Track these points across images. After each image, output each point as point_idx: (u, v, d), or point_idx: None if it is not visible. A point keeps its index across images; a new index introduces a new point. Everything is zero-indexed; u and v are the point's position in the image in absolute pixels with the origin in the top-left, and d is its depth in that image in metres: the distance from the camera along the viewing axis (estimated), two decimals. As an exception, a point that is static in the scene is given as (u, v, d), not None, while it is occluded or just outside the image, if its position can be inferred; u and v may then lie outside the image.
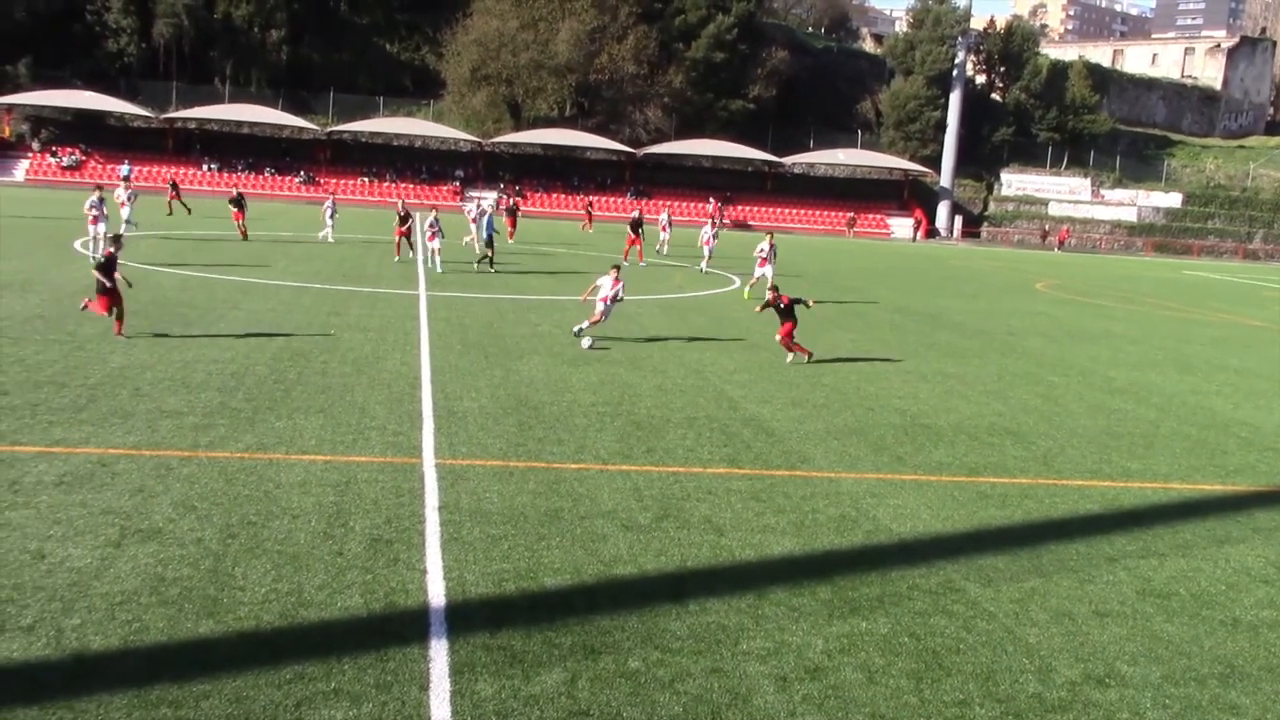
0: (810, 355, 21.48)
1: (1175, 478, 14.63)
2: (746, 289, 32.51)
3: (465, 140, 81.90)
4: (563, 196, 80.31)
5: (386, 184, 77.80)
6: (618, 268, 22.12)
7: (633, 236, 41.10)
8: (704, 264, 40.05)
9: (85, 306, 19.26)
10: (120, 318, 18.82)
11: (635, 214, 43.65)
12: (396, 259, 34.63)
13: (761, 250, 32.29)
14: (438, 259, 32.97)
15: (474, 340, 21.18)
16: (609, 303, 21.69)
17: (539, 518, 10.97)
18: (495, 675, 7.64)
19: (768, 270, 31.48)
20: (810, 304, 22.18)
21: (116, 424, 13.28)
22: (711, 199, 78.09)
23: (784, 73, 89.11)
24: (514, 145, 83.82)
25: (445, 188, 78.51)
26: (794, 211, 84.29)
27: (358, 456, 12.63)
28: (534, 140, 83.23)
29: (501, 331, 22.49)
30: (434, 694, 7.33)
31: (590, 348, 20.80)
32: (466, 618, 8.57)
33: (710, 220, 52.74)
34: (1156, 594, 10.18)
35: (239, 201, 39.62)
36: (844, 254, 58.91)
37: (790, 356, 21.30)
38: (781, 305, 21.23)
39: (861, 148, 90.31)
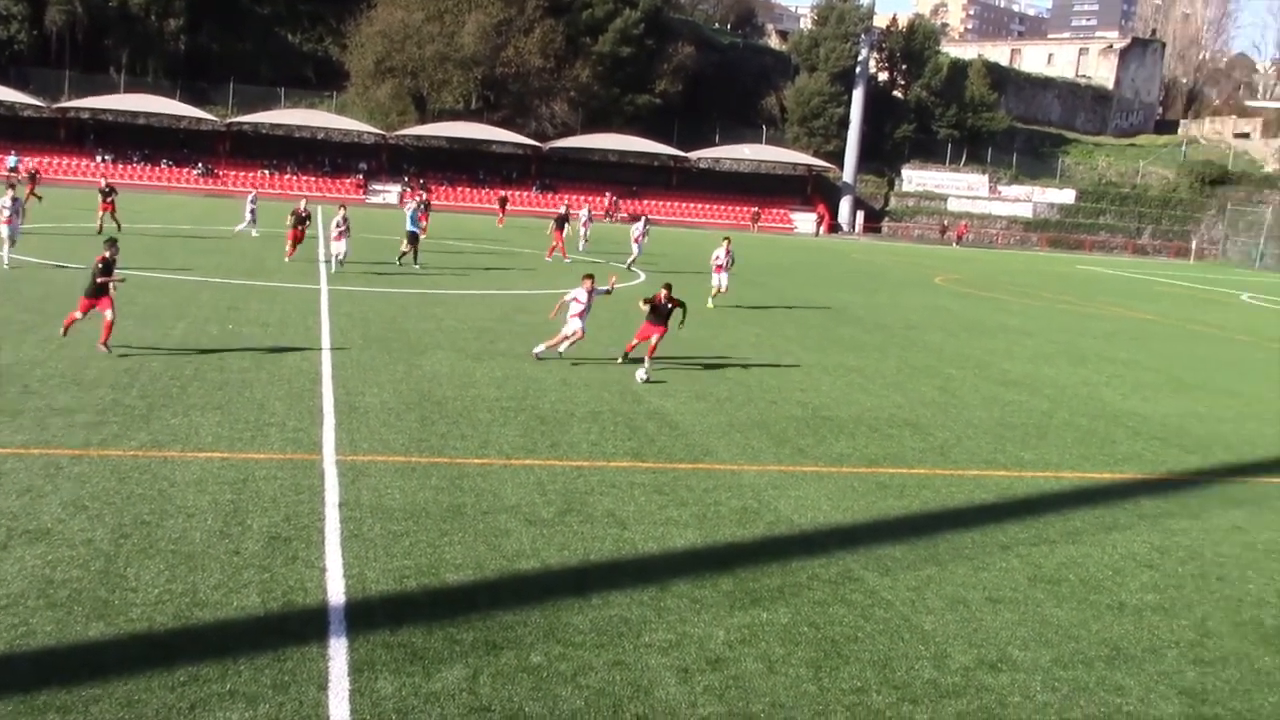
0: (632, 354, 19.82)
1: (1066, 467, 15.03)
2: (710, 300, 29.73)
3: (369, 133, 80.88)
4: (469, 190, 79.75)
5: (287, 177, 76.52)
6: (590, 277, 19.64)
7: (557, 232, 40.91)
8: (632, 262, 39.33)
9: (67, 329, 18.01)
10: (109, 326, 17.53)
11: (562, 209, 43.63)
12: (288, 260, 32.29)
13: (718, 256, 30.30)
14: (335, 260, 30.88)
15: (376, 335, 20.97)
16: (584, 317, 19.48)
17: (441, 513, 10.91)
18: (395, 673, 7.58)
19: (723, 278, 30.00)
20: (682, 324, 20.40)
21: (4, 422, 12.90)
22: (607, 193, 78.20)
23: (690, 68, 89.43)
24: (419, 138, 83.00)
25: (348, 180, 77.50)
26: (699, 206, 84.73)
27: (256, 454, 12.44)
28: (439, 133, 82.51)
29: (405, 326, 22.29)
30: (333, 693, 7.25)
31: (646, 380, 18.24)
32: (367, 615, 8.49)
33: (606, 214, 52.34)
34: (1047, 580, 10.45)
35: (108, 192, 38.39)
36: (749, 248, 59.32)
37: (645, 370, 18.60)
38: (668, 307, 19.48)
39: (766, 143, 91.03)
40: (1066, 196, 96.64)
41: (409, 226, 33.75)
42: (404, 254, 33.71)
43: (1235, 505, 13.72)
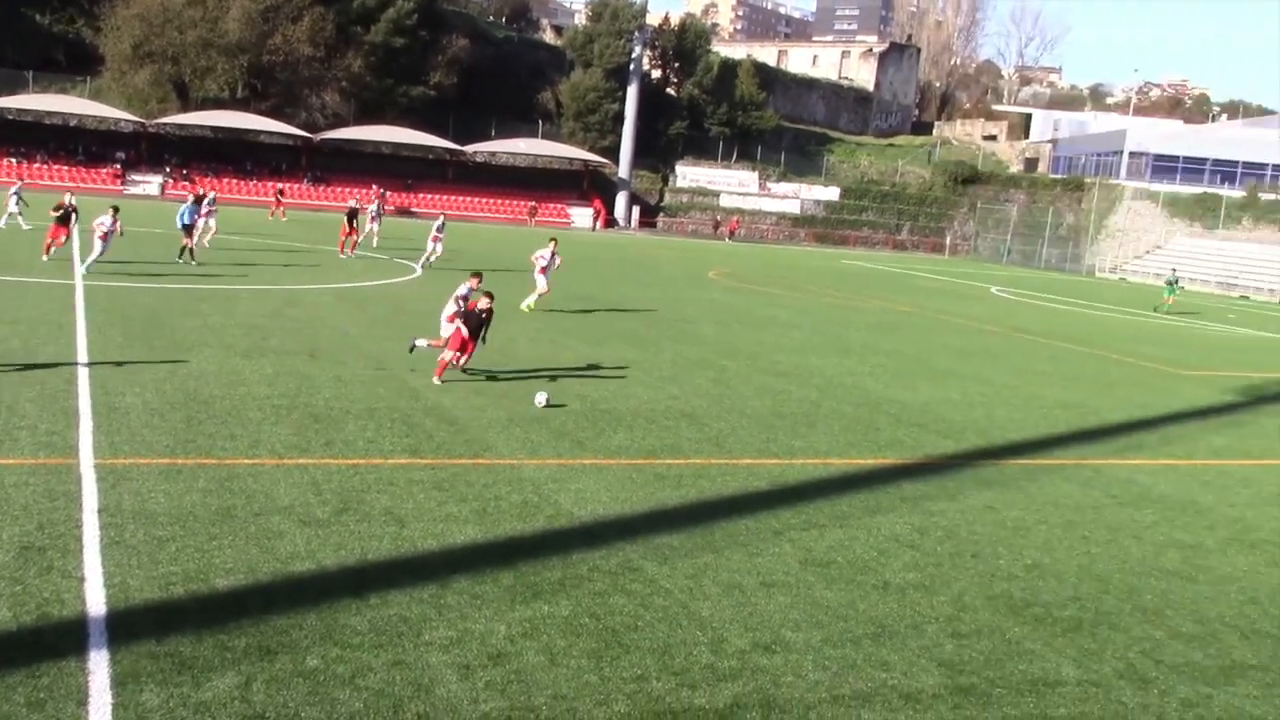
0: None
1: (834, 454, 15.63)
2: (532, 301, 28.25)
3: (127, 120, 77.04)
4: (236, 182, 76.91)
5: (38, 165, 72.08)
6: (478, 275, 19.38)
7: (348, 228, 39.92)
8: (427, 259, 38.31)
9: None
10: None
11: (351, 203, 42.78)
12: (46, 258, 29.76)
13: (541, 257, 28.86)
14: (91, 258, 28.26)
15: (138, 332, 20.00)
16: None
17: (210, 517, 10.50)
18: (162, 684, 7.26)
19: (543, 281, 28.62)
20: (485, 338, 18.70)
21: None
22: (374, 186, 77.05)
23: (465, 61, 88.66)
24: (181, 127, 79.53)
25: (105, 170, 73.62)
26: (477, 200, 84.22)
27: (5, 459, 11.68)
28: (203, 122, 79.32)
29: (168, 323, 21.34)
30: (94, 708, 6.89)
31: (546, 404, 16.63)
32: (130, 625, 8.09)
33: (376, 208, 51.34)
34: (817, 563, 10.85)
35: None
36: (527, 243, 59.32)
37: (441, 379, 17.71)
38: (483, 317, 18.12)
39: (543, 138, 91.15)
40: (831, 194, 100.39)
41: (184, 220, 32.21)
42: (186, 249, 32.12)
43: (987, 486, 14.56)
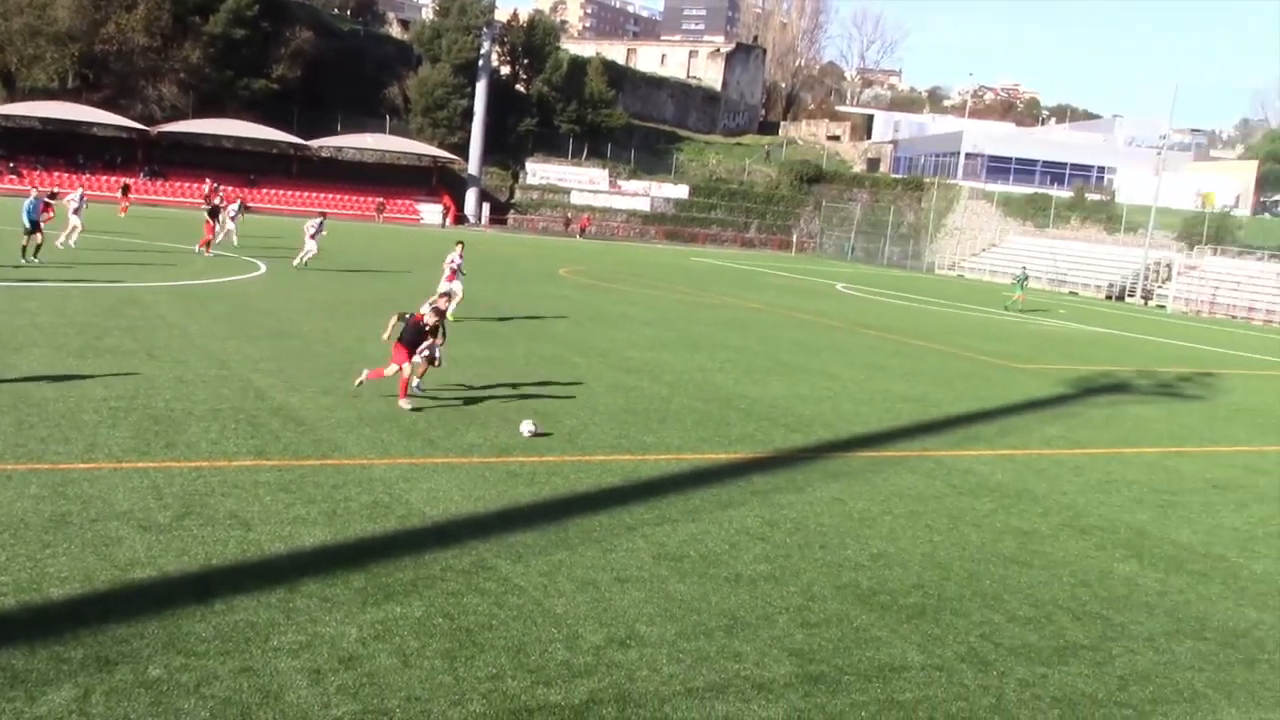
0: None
1: (686, 449, 15.78)
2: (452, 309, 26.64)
3: (-54, 110, 73.38)
4: (66, 176, 73.81)
5: None
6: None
7: (210, 224, 39.04)
8: (303, 259, 37.16)
9: None
10: None
11: (217, 200, 42.06)
12: None
13: (452, 261, 27.33)
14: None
15: (-40, 333, 19.05)
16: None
17: (43, 524, 10.06)
18: (-7, 699, 6.94)
19: (457, 285, 26.89)
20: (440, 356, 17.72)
21: None
22: (207, 180, 75.03)
23: (309, 54, 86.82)
24: (7, 118, 76.09)
25: (-78, 162, 69.95)
26: (322, 196, 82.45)
27: None
28: (30, 113, 75.98)
29: (-6, 322, 20.38)
30: (-83, 728, 6.56)
31: (534, 433, 15.43)
32: (-44, 640, 7.71)
33: (205, 201, 50.20)
34: (670, 557, 10.95)
35: None
36: (375, 239, 58.46)
37: (407, 400, 16.54)
38: (426, 327, 16.77)
39: (391, 133, 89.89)
40: (681, 192, 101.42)
41: (30, 217, 30.76)
42: (33, 247, 30.65)
43: (834, 478, 14.90)
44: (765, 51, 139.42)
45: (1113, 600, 11.04)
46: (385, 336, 17.01)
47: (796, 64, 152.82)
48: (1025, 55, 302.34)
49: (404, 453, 13.95)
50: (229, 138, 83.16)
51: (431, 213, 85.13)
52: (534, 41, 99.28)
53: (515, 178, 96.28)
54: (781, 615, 9.72)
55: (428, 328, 16.73)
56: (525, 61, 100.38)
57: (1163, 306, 68.80)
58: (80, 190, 38.77)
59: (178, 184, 74.99)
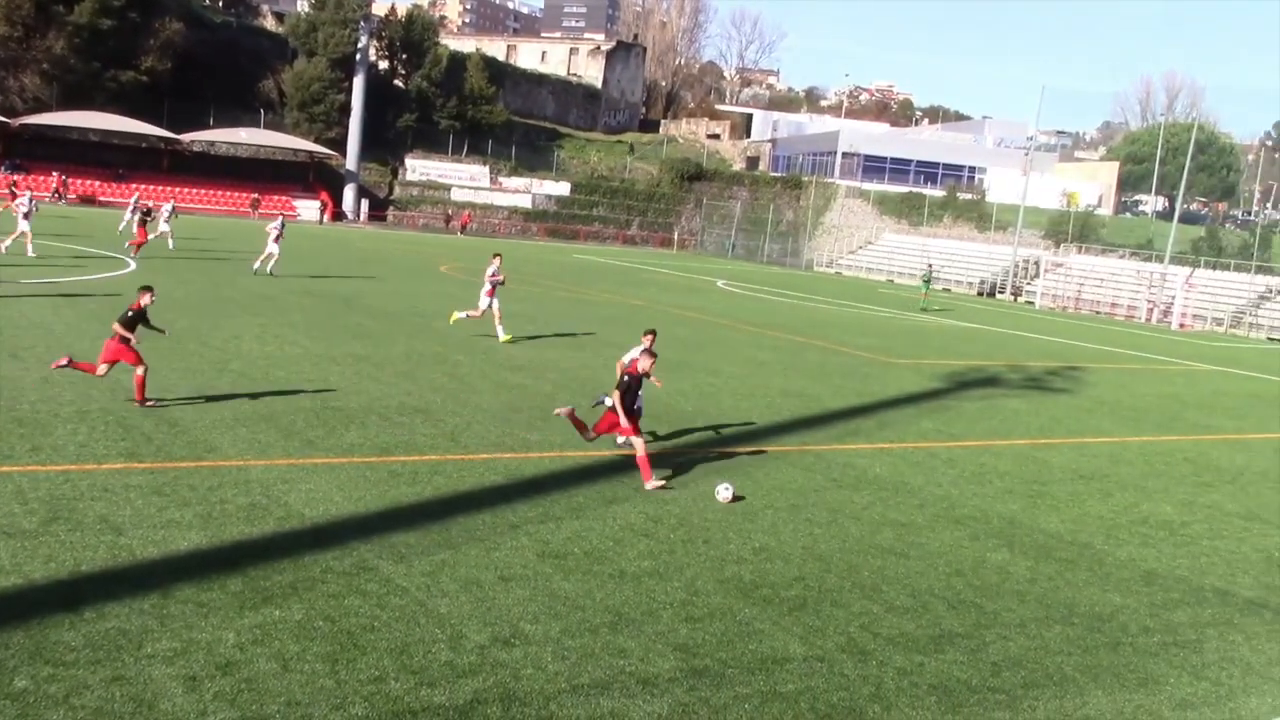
0: None
1: (570, 446, 15.76)
2: (500, 331, 25.78)
3: None
4: (-81, 168, 70.77)
5: None
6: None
7: (141, 228, 38.53)
8: (265, 263, 35.96)
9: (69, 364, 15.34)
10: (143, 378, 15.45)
11: (147, 204, 41.72)
12: None
13: (494, 274, 25.91)
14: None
15: None
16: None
17: (-103, 532, 9.64)
18: None
19: (495, 302, 25.69)
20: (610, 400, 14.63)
21: None
22: (55, 173, 73.01)
23: (180, 45, 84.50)
24: None
25: None
26: (195, 191, 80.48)
27: None
28: (-121, 103, 72.69)
29: None
30: None
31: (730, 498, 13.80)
32: None
33: (57, 193, 49.00)
34: (555, 555, 10.93)
35: None
36: (249, 236, 57.19)
37: (655, 480, 14.08)
38: (636, 384, 14.45)
39: (266, 128, 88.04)
40: (562, 189, 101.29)
41: None
42: None
43: (717, 473, 15.01)
44: (645, 50, 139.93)
45: (986, 589, 11.34)
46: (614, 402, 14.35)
47: (676, 63, 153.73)
48: (899, 57, 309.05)
49: (282, 453, 13.69)
50: (96, 131, 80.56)
51: (308, 209, 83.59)
52: (412, 36, 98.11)
53: (394, 174, 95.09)
54: (666, 610, 9.78)
55: (648, 375, 14.63)
56: (404, 56, 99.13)
57: (1031, 303, 70.87)
58: (29, 192, 37.97)
59: (41, 178, 72.30)
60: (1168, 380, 33.49)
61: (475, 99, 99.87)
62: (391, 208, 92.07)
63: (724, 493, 13.60)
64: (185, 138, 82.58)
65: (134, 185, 77.29)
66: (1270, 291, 66.79)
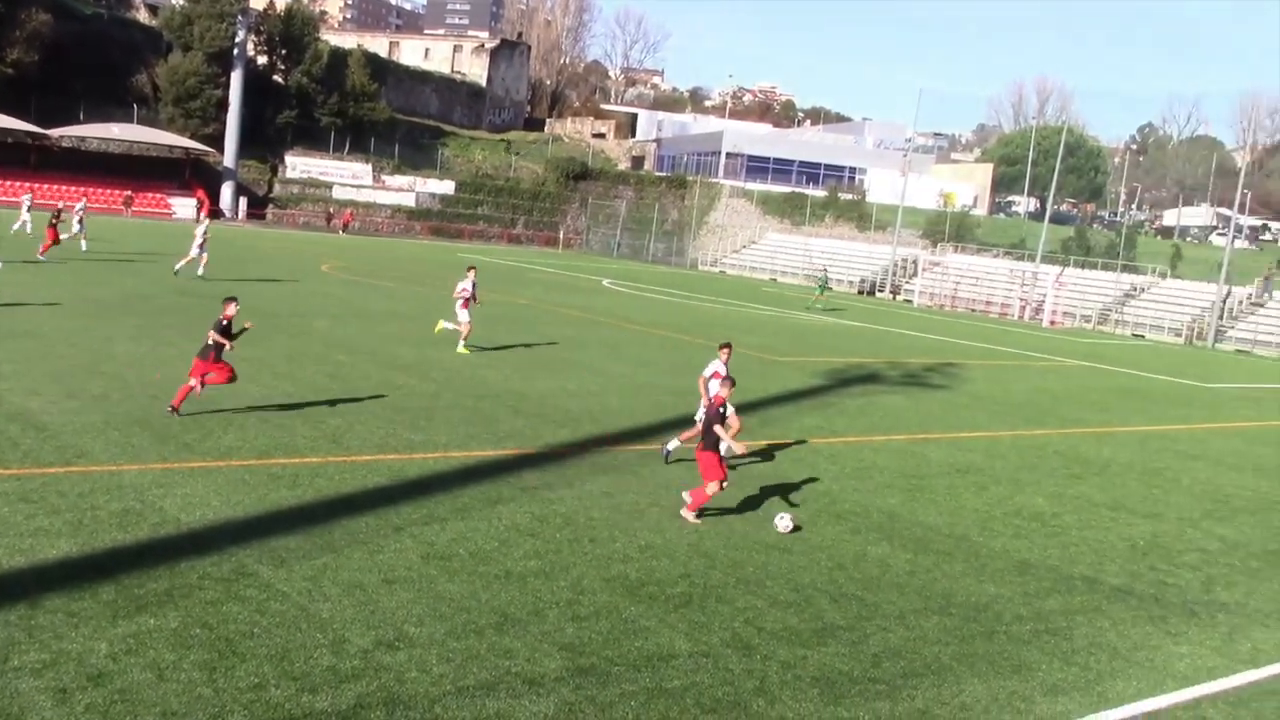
0: None
1: (454, 446, 15.66)
2: (462, 346, 25.29)
3: None
4: None
5: None
6: (728, 347, 16.01)
7: (51, 229, 37.55)
8: (191, 266, 35.41)
9: (201, 385, 15.63)
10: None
11: (59, 205, 40.62)
12: None
13: (464, 289, 25.73)
14: None
15: None
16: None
17: None
18: None
19: (465, 315, 25.44)
20: None
21: None
22: None
23: (48, 37, 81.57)
24: None
25: None
26: (64, 189, 77.72)
27: None
28: None
29: None
30: None
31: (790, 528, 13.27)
32: None
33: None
34: (439, 556, 10.85)
35: None
36: (123, 234, 55.54)
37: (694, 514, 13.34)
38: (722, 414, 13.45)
39: (139, 123, 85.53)
40: (447, 187, 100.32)
41: None
42: None
43: (603, 472, 15.07)
44: (530, 48, 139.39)
45: (867, 581, 11.57)
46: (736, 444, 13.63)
47: (561, 61, 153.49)
48: (782, 59, 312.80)
49: (157, 458, 13.34)
50: (-43, 125, 77.53)
51: (184, 207, 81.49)
52: (292, 31, 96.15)
53: (274, 171, 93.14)
54: (552, 610, 9.77)
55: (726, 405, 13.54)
56: (283, 52, 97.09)
57: (910, 301, 72.36)
58: None
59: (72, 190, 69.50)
60: (1039, 376, 34.52)
61: (357, 96, 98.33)
62: (271, 206, 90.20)
63: (783, 523, 13.06)
64: (54, 133, 79.83)
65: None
66: (1135, 290, 69.26)
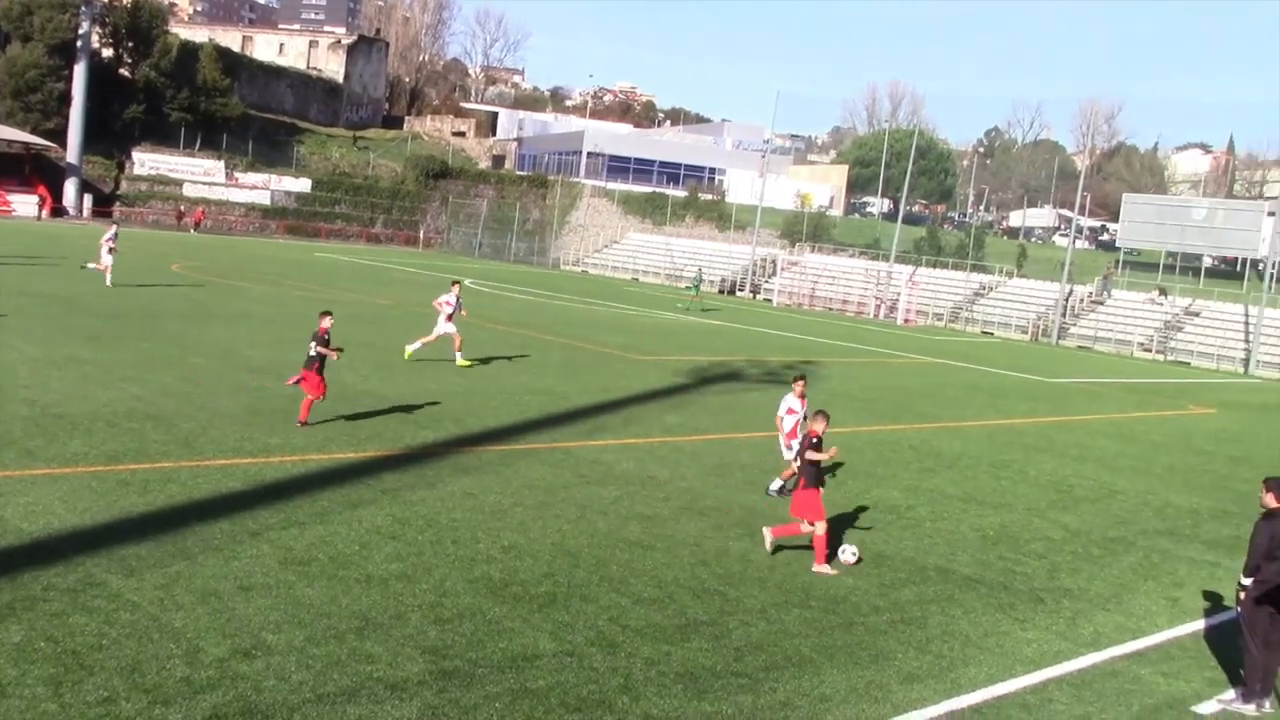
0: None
1: (313, 449, 15.37)
2: (415, 347, 24.84)
3: None
4: None
5: None
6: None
7: None
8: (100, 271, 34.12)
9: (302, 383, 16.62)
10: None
11: None
12: None
13: (446, 303, 25.13)
14: None
15: None
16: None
17: None
18: None
19: (450, 328, 25.00)
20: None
21: None
22: None
23: None
24: None
25: None
26: (-109, 184, 74.06)
27: None
28: None
29: None
30: None
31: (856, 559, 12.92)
32: None
33: None
34: (298, 561, 10.64)
35: None
36: (-44, 233, 53.12)
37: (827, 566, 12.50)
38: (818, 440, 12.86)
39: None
40: (303, 185, 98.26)
41: None
42: None
43: (465, 473, 14.96)
44: (388, 45, 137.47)
45: (729, 576, 11.72)
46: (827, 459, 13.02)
47: (420, 59, 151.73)
48: (642, 59, 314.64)
49: (-4, 465, 12.79)
50: None
51: (25, 204, 78.21)
52: (139, 24, 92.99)
53: (121, 168, 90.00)
54: (414, 613, 9.67)
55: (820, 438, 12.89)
56: (130, 45, 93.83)
57: (769, 300, 73.47)
58: None
59: None
60: (895, 373, 35.42)
61: (208, 91, 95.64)
62: (118, 203, 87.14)
63: (848, 556, 12.69)
64: (-120, 126, 75.96)
65: None
66: (984, 289, 71.54)
